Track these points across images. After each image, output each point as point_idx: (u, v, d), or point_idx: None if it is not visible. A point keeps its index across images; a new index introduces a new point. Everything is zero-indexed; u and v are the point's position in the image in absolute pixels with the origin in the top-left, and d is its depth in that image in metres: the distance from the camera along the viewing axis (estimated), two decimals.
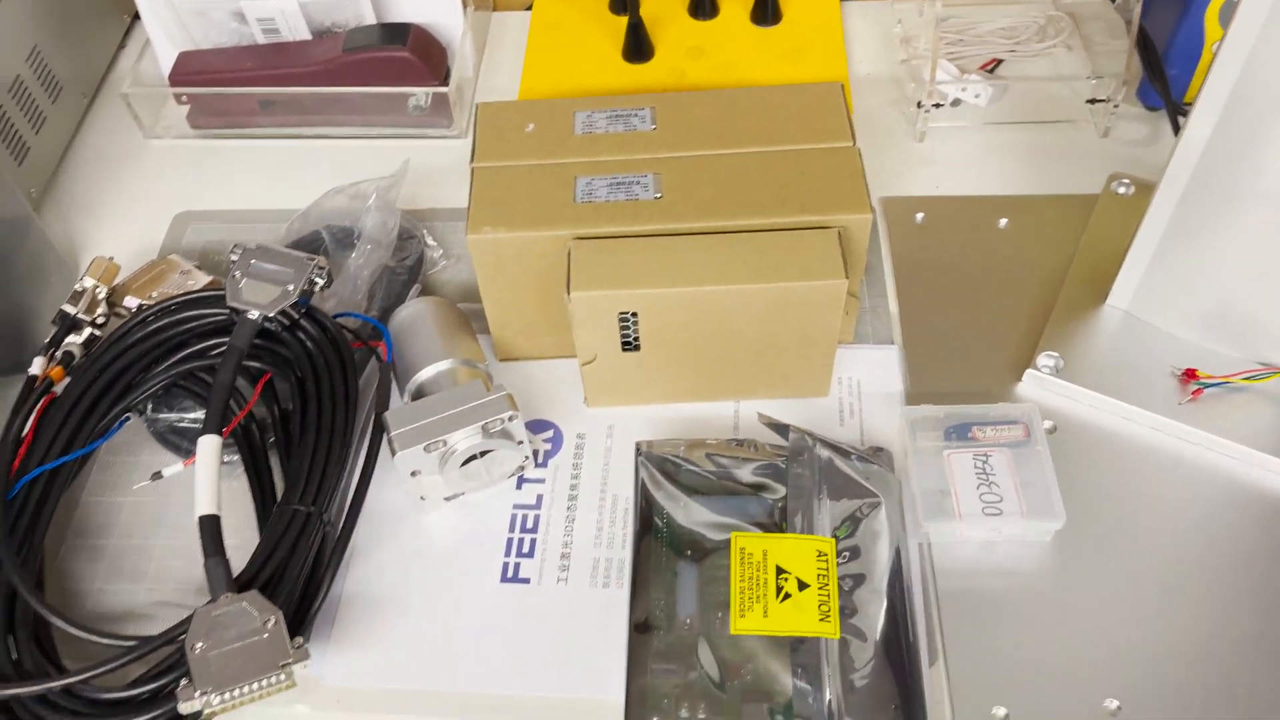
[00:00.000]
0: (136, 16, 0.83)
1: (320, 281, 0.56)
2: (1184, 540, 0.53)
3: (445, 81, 0.73)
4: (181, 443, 0.58)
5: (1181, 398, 0.56)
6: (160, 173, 0.74)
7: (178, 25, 0.73)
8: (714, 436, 0.55)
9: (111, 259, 0.61)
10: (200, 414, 0.58)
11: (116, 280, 0.61)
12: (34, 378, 0.55)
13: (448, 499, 0.55)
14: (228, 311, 0.56)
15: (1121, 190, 0.66)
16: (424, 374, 0.55)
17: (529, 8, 0.83)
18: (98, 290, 0.59)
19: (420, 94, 0.73)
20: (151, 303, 0.59)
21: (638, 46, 0.76)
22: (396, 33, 0.71)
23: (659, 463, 0.53)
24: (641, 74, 0.76)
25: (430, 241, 0.66)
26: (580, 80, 0.76)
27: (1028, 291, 0.63)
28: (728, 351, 0.55)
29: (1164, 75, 0.67)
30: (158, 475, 0.54)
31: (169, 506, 0.57)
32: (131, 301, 0.60)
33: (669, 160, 0.56)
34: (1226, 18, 0.64)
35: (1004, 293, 0.63)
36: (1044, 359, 0.59)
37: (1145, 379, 0.57)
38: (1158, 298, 0.58)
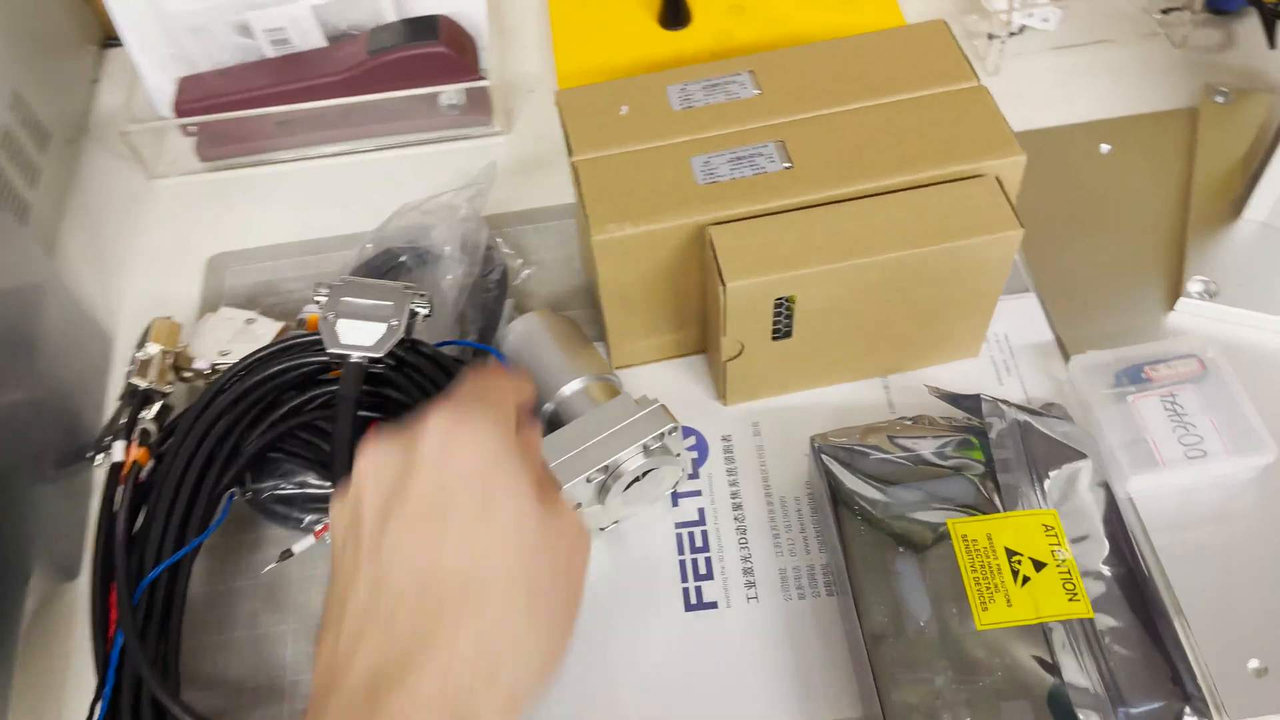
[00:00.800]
0: (108, 44, 0.75)
1: (424, 311, 0.50)
2: None
3: (479, 74, 0.66)
4: (289, 512, 0.51)
5: None
6: (175, 214, 0.66)
7: (170, 48, 0.65)
8: (882, 419, 0.51)
9: (170, 318, 0.54)
10: (304, 477, 0.51)
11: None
12: (118, 465, 0.48)
13: (603, 529, 0.50)
14: (319, 359, 0.50)
15: (1220, 100, 0.63)
16: (557, 397, 0.50)
17: None
18: (166, 356, 0.52)
19: (453, 91, 0.66)
20: (228, 362, 0.52)
21: (675, 11, 0.70)
22: (424, 27, 0.65)
23: (842, 455, 0.48)
24: (683, 40, 0.71)
25: (507, 250, 0.60)
26: (618, 55, 0.70)
27: (1150, 216, 0.60)
28: (883, 324, 0.51)
29: None
30: (288, 554, 0.47)
31: (289, 585, 0.50)
32: (202, 363, 0.53)
33: (787, 125, 0.51)
34: None
35: (1125, 221, 0.60)
36: (1194, 284, 0.55)
37: None
38: None
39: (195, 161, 0.68)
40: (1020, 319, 0.56)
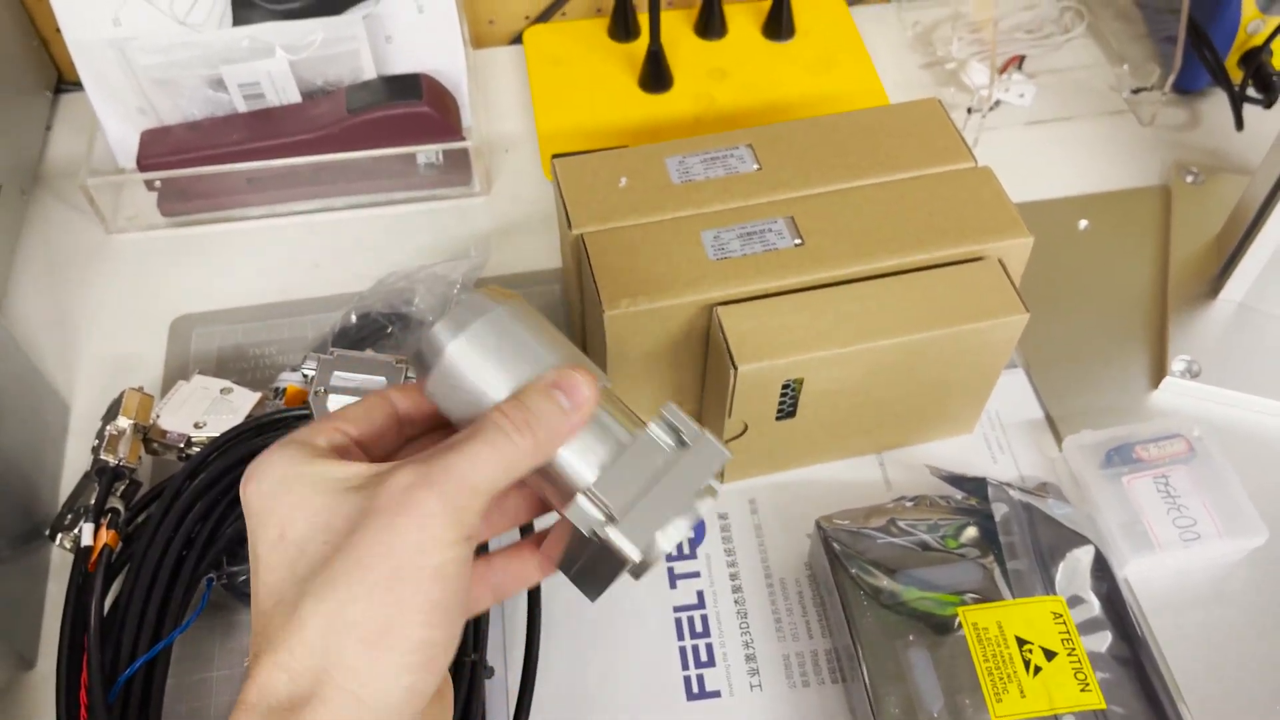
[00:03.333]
0: (61, 89, 0.72)
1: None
2: None
3: (460, 135, 0.65)
4: None
5: None
6: (136, 272, 0.63)
7: (136, 99, 0.62)
8: (881, 498, 0.50)
9: (141, 389, 0.51)
10: None
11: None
12: (86, 549, 0.45)
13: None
14: None
15: (1190, 180, 0.65)
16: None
17: (514, 42, 0.76)
18: (136, 430, 0.49)
19: (431, 151, 0.65)
20: (203, 435, 0.50)
21: (657, 74, 0.70)
22: (406, 86, 0.63)
23: (846, 538, 0.47)
24: (665, 103, 0.70)
25: None
26: (599, 116, 0.69)
27: (1131, 293, 0.61)
28: (885, 403, 0.51)
29: (1219, 59, 0.66)
30: None
31: None
32: (175, 436, 0.50)
33: (793, 201, 0.51)
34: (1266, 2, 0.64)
35: (1107, 297, 0.61)
36: (1178, 363, 0.56)
37: None
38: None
39: (157, 217, 0.65)
40: (1011, 395, 0.57)
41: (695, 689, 0.47)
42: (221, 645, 0.48)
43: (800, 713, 0.47)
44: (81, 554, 0.45)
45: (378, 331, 0.55)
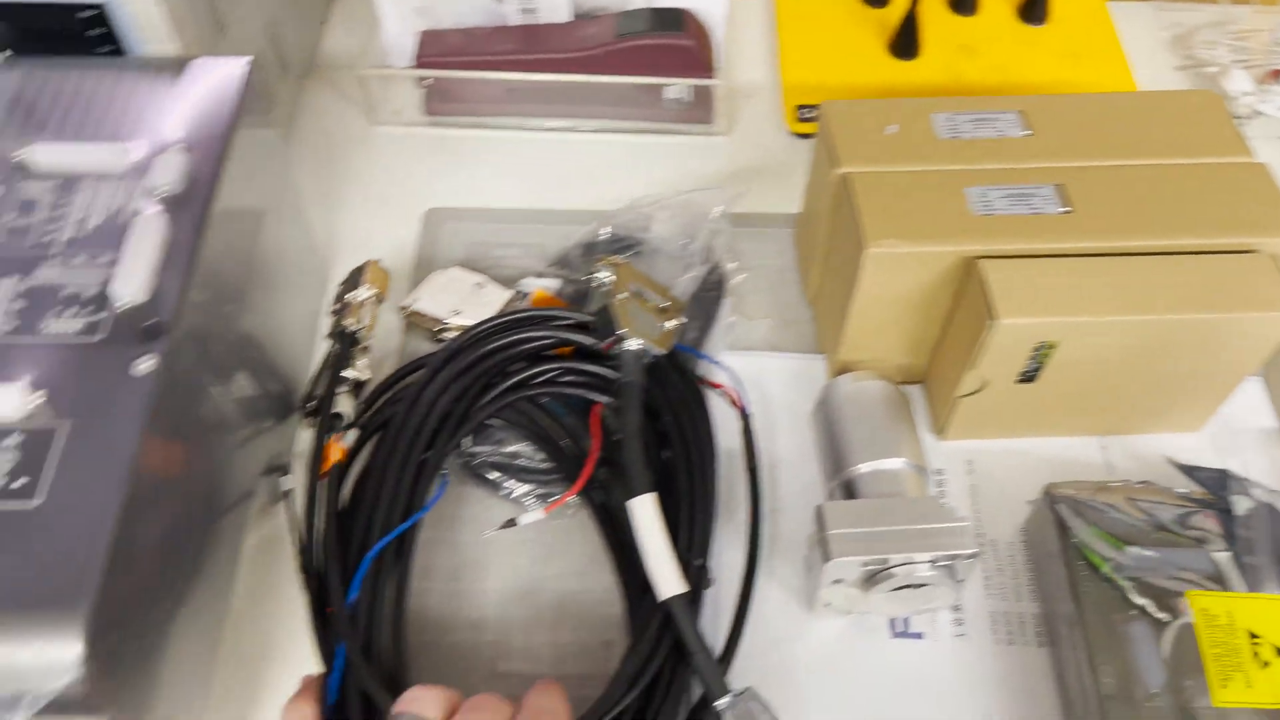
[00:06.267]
0: None
1: (685, 320, 0.50)
2: None
3: (712, 74, 0.67)
4: (501, 479, 0.51)
5: None
6: (395, 163, 0.67)
7: (417, 1, 0.66)
8: (1104, 479, 0.50)
9: (380, 262, 0.54)
10: (517, 447, 0.51)
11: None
12: (338, 416, 0.48)
13: (847, 614, 0.48)
14: (558, 336, 0.50)
15: None
16: (863, 467, 0.48)
17: None
18: (377, 301, 0.52)
19: (684, 86, 0.67)
20: (459, 322, 0.53)
21: (908, 42, 0.70)
22: (671, 18, 0.65)
23: (1077, 507, 0.48)
24: (912, 71, 0.70)
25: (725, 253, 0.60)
26: (844, 76, 0.70)
27: None
28: (1126, 384, 0.50)
29: None
30: (511, 523, 0.47)
31: (492, 557, 0.50)
32: (431, 319, 0.53)
33: (1063, 170, 0.51)
34: None
35: None
36: None
37: None
38: None
39: (419, 114, 0.69)
40: (1244, 401, 0.56)
41: (899, 627, 0.48)
42: (454, 511, 0.51)
43: (1003, 666, 0.47)
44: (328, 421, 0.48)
45: (624, 249, 0.58)
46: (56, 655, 0.32)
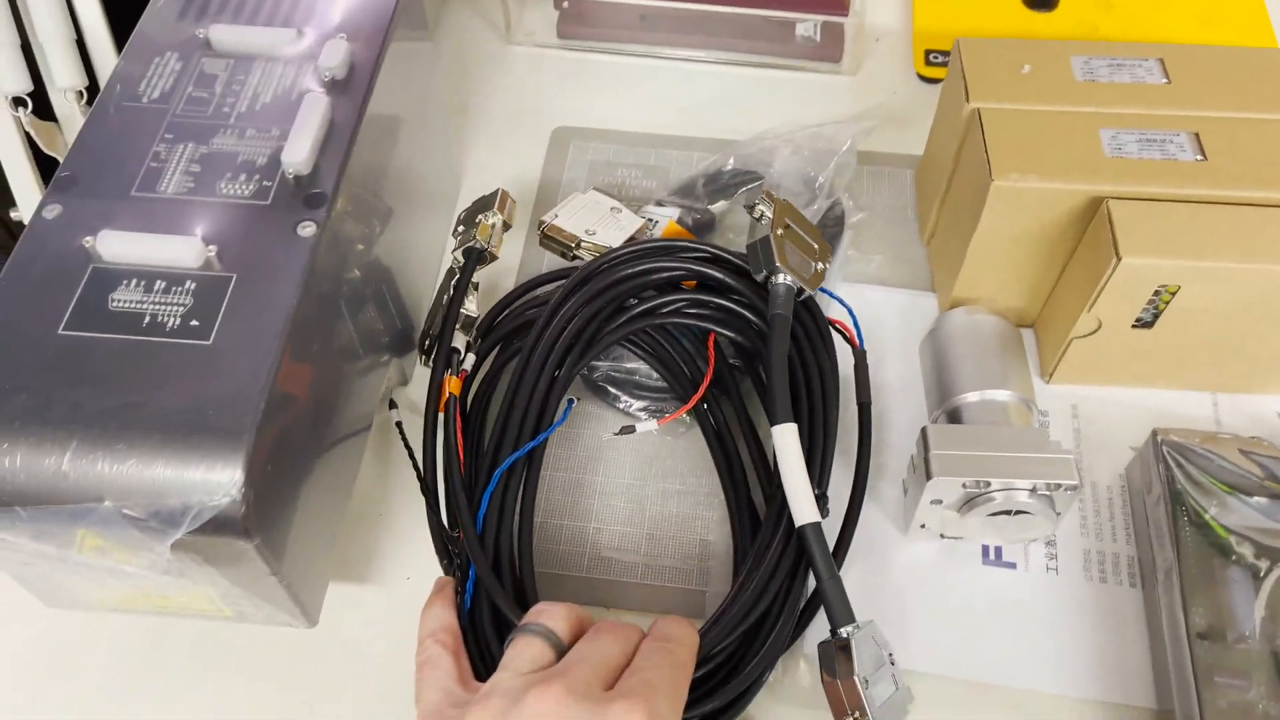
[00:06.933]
0: None
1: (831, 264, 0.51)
2: None
3: (844, 12, 0.67)
4: (618, 394, 0.53)
5: None
6: (526, 82, 0.69)
7: None
8: (1225, 432, 0.50)
9: (509, 195, 0.55)
10: (634, 365, 0.53)
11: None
12: (454, 350, 0.50)
13: (943, 537, 0.49)
14: (690, 268, 0.51)
15: None
16: (970, 396, 0.49)
17: None
18: (504, 228, 0.54)
19: (812, 22, 0.67)
20: (595, 242, 0.54)
21: None
22: None
23: (1185, 452, 0.48)
24: (1048, 22, 0.70)
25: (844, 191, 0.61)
26: (978, 24, 0.70)
27: None
28: (1243, 339, 0.50)
29: None
30: (629, 429, 0.49)
31: (599, 471, 0.53)
32: (569, 235, 0.55)
33: (1199, 119, 0.50)
34: None
35: None
36: None
37: None
38: None
39: (552, 37, 0.71)
40: None
41: (992, 555, 0.49)
42: (570, 432, 0.54)
43: (1093, 602, 0.48)
44: (445, 359, 0.50)
45: (747, 182, 0.59)
46: (219, 477, 0.35)
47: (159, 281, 0.39)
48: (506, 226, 0.54)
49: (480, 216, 0.54)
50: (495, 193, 0.54)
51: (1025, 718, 0.45)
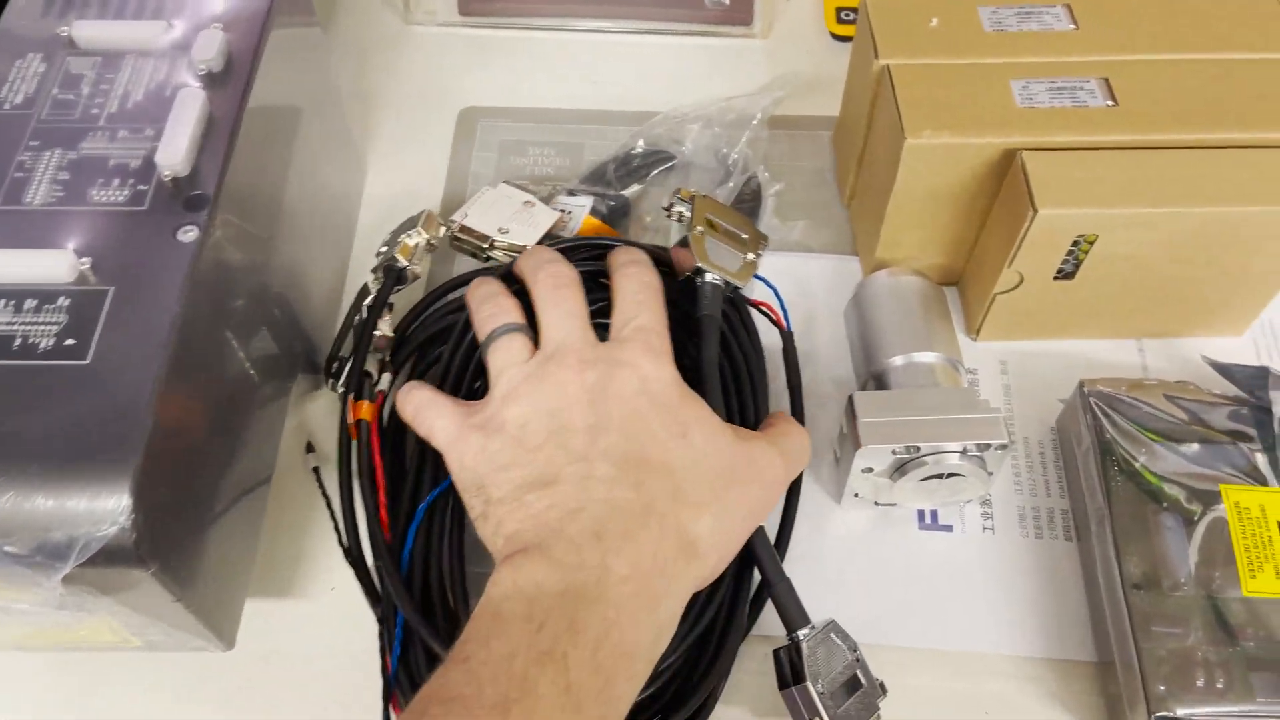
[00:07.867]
0: None
1: (764, 253, 0.50)
2: None
3: None
4: None
5: None
6: (430, 63, 0.67)
7: None
8: (1151, 378, 0.50)
9: (434, 212, 0.53)
10: None
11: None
12: (367, 374, 0.48)
13: (878, 504, 0.49)
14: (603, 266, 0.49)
15: None
16: (896, 360, 0.48)
17: None
18: (429, 247, 0.52)
19: None
20: (509, 240, 0.52)
21: None
22: None
23: (1111, 402, 0.47)
24: None
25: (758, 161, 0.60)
26: None
27: None
28: (1165, 283, 0.50)
29: None
30: None
31: None
32: (479, 235, 0.52)
33: (1109, 64, 0.50)
34: None
35: None
36: None
37: None
38: None
39: (454, 15, 0.68)
40: None
41: (927, 520, 0.49)
42: None
43: (1030, 558, 0.47)
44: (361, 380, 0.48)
45: (660, 160, 0.57)
46: (105, 505, 0.33)
47: (29, 300, 0.36)
48: (431, 246, 0.52)
49: (403, 236, 0.51)
50: (421, 213, 0.52)
51: (969, 680, 0.45)
